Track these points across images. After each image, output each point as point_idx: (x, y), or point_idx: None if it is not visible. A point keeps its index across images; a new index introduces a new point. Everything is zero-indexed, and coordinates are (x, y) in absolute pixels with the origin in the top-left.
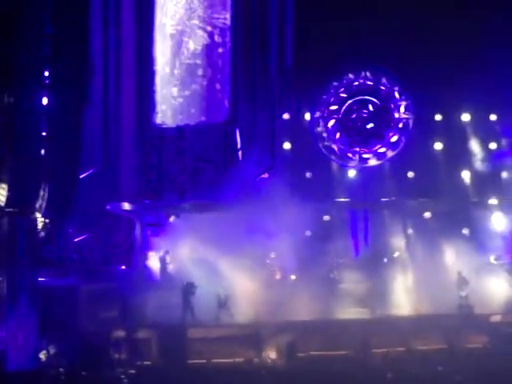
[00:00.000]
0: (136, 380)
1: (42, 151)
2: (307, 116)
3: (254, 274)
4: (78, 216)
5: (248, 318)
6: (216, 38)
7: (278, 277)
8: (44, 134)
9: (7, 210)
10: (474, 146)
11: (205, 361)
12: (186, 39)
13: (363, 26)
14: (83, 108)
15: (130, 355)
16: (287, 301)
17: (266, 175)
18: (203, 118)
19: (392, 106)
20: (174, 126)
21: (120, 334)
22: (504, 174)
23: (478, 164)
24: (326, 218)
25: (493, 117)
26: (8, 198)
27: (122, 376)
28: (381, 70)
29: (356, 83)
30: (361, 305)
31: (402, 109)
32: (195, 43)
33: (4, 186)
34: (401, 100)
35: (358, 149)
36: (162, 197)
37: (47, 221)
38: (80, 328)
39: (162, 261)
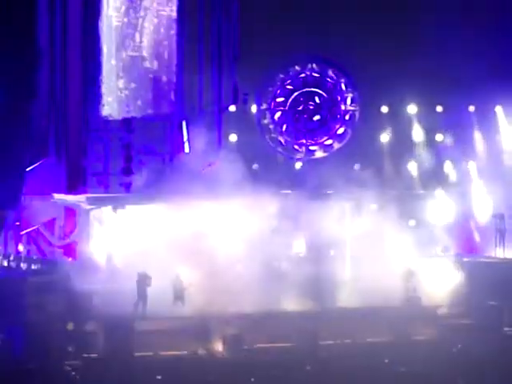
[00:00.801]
0: (83, 372)
1: None
2: (254, 108)
3: (201, 266)
4: (25, 208)
5: (195, 310)
6: (162, 30)
7: (225, 269)
8: None
9: None
10: (420, 137)
11: (152, 353)
12: (131, 31)
13: (310, 18)
14: (29, 100)
15: (76, 347)
16: (234, 293)
17: (213, 167)
18: (149, 111)
19: (338, 98)
20: (121, 118)
21: (67, 326)
22: (449, 165)
23: (424, 155)
24: (273, 209)
25: (439, 108)
26: None
27: (69, 368)
28: (327, 61)
29: (302, 75)
30: (308, 297)
31: (349, 101)
32: (141, 35)
33: None
34: (347, 92)
35: (304, 141)
36: (108, 189)
37: None
38: (27, 320)
39: (109, 253)
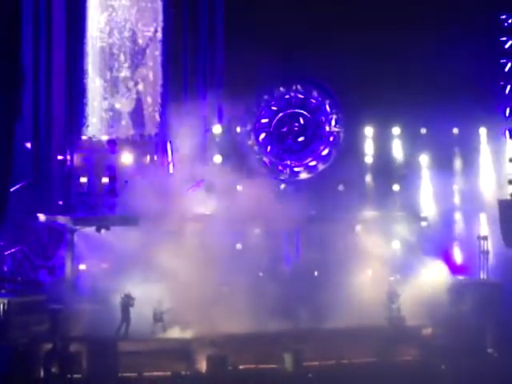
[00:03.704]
0: None
1: None
2: (238, 129)
3: (186, 286)
4: (9, 229)
5: (179, 331)
6: (147, 51)
7: (209, 289)
8: None
9: None
10: (404, 158)
11: (136, 374)
12: (116, 52)
13: (294, 39)
14: (14, 121)
15: (60, 368)
16: (218, 314)
17: (197, 188)
18: (134, 131)
19: (323, 119)
20: (105, 139)
21: (51, 346)
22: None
23: (408, 177)
24: (257, 231)
25: (423, 130)
26: None
27: None
28: (312, 83)
29: (287, 96)
30: (292, 318)
31: (333, 122)
32: (126, 56)
33: None
34: (331, 113)
35: (288, 162)
36: (93, 210)
37: None
38: (11, 341)
39: (93, 273)
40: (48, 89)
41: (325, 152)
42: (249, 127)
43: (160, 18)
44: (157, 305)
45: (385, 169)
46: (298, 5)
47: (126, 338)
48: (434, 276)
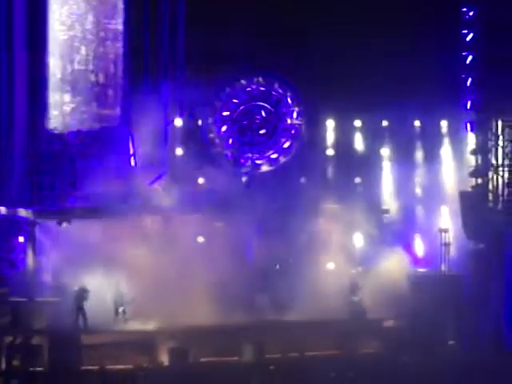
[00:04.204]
0: None
1: None
2: (200, 122)
3: (147, 279)
4: None
5: (140, 324)
6: (108, 43)
7: (171, 282)
8: None
9: None
10: (365, 151)
11: (97, 367)
12: (77, 45)
13: (255, 31)
14: None
15: (22, 361)
16: (180, 306)
17: (159, 181)
18: (96, 124)
19: (284, 111)
20: (66, 131)
21: (12, 339)
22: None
23: (370, 170)
24: (219, 224)
25: (384, 122)
26: None
27: (15, 381)
28: (273, 75)
29: (248, 89)
30: (253, 311)
31: (295, 114)
32: (87, 49)
33: None
34: (293, 106)
35: (250, 154)
36: (54, 202)
37: None
38: None
39: (55, 266)
40: (9, 82)
41: (286, 145)
42: (210, 120)
43: (121, 10)
44: (118, 296)
45: (346, 161)
46: None
47: (86, 331)
48: (395, 268)
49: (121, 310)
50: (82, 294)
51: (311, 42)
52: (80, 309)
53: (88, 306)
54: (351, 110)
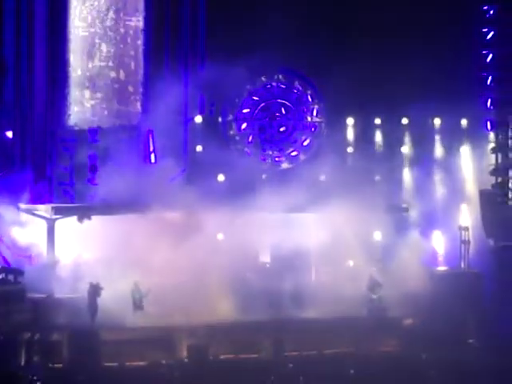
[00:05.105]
0: (48, 383)
1: None
2: (220, 119)
3: (166, 276)
4: None
5: (160, 321)
6: (129, 40)
7: (190, 279)
8: None
9: None
10: (386, 149)
11: (117, 363)
12: (98, 41)
13: (276, 29)
14: None
15: (41, 357)
16: (199, 303)
17: (179, 177)
18: (116, 121)
19: (304, 109)
20: (87, 128)
21: (32, 335)
22: (414, 179)
23: (390, 167)
24: (239, 221)
25: (404, 120)
26: None
27: (35, 378)
28: (293, 73)
29: (269, 86)
30: (273, 307)
31: (315, 112)
32: (108, 45)
33: None
34: (313, 103)
35: (270, 152)
36: (73, 199)
37: None
38: None
39: (74, 262)
40: (30, 78)
41: (306, 142)
42: (230, 117)
43: (142, 6)
44: (136, 291)
45: (366, 159)
46: None
47: (104, 327)
48: (415, 266)
49: (138, 302)
50: (95, 290)
51: (332, 39)
52: (92, 305)
53: (104, 302)
54: (371, 107)
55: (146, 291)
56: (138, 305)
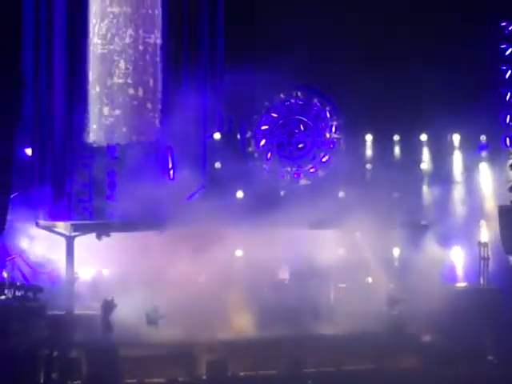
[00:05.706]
0: None
1: None
2: (238, 135)
3: (185, 292)
4: (10, 234)
5: (179, 337)
6: (147, 57)
7: (208, 295)
8: None
9: None
10: (405, 166)
11: (136, 380)
12: (117, 58)
13: (295, 46)
14: (14, 127)
15: (60, 374)
16: (218, 319)
17: (198, 194)
18: (134, 138)
19: (323, 125)
20: (105, 144)
21: (51, 352)
22: (433, 195)
23: (409, 184)
24: (259, 238)
25: (423, 137)
26: None
27: None
28: (312, 90)
29: (287, 103)
30: (292, 324)
31: (333, 129)
32: (126, 62)
33: None
34: (332, 120)
35: (289, 168)
36: (92, 215)
37: None
38: (11, 346)
39: (93, 279)
40: (49, 95)
41: (325, 159)
42: (249, 134)
43: (160, 24)
44: (152, 310)
45: (385, 175)
46: (298, 12)
47: (122, 343)
48: (434, 282)
49: (153, 322)
50: (109, 307)
51: (351, 55)
52: (105, 321)
53: (122, 318)
54: (390, 124)
55: (161, 315)
56: (152, 323)
